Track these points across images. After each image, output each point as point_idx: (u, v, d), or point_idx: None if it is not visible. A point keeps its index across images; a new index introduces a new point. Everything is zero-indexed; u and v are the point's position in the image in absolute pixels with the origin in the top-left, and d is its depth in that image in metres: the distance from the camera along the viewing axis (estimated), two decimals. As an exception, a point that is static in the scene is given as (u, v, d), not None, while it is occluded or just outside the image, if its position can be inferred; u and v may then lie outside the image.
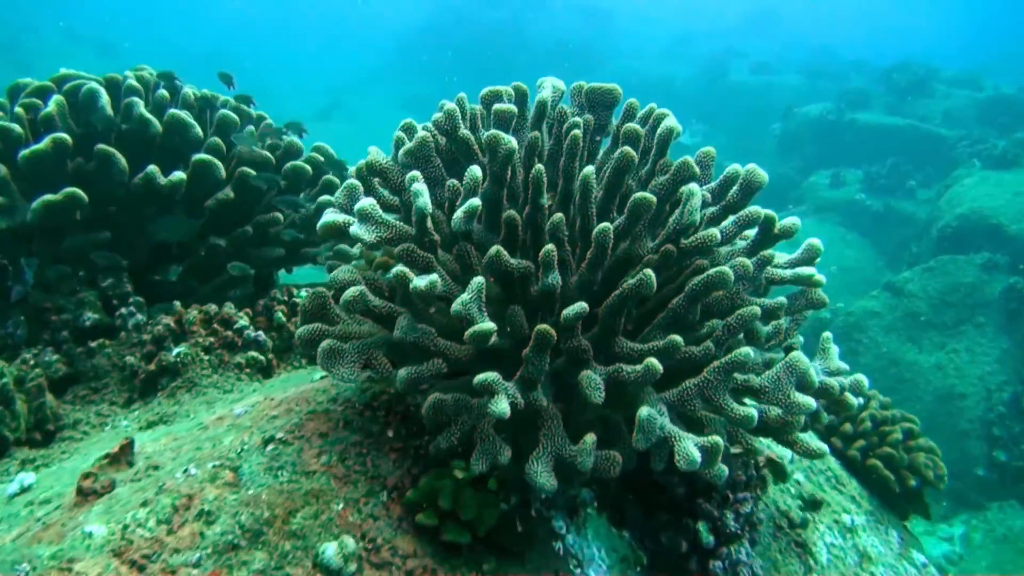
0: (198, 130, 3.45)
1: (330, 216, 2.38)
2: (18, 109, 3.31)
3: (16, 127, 3.24)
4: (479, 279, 2.16)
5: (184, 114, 3.43)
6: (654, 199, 2.28)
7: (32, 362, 3.17)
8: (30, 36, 27.05)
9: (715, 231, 2.36)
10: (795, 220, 2.59)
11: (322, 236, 2.41)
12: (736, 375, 2.32)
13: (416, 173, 2.34)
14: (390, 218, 2.36)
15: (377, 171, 2.54)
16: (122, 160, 3.26)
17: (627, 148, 2.36)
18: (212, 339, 3.22)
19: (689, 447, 2.08)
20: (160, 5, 38.87)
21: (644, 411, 2.11)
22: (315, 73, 33.19)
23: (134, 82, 3.51)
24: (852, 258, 16.08)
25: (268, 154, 3.66)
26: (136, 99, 3.41)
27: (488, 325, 2.10)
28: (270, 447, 2.30)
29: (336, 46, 37.23)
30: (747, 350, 2.20)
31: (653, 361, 2.12)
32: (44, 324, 3.28)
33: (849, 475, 3.63)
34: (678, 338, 2.22)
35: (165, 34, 34.32)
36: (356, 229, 2.29)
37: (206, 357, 3.18)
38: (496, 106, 2.47)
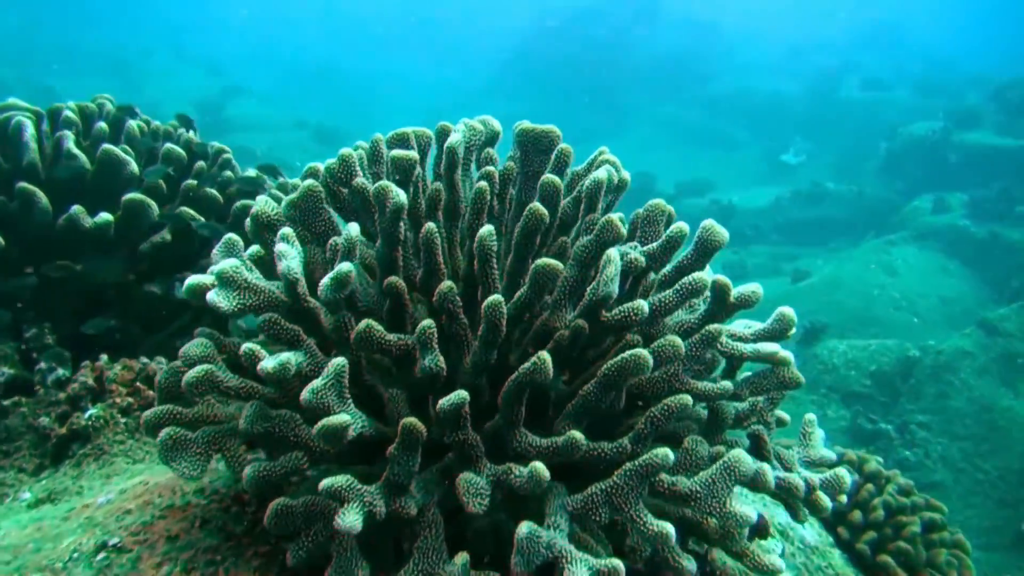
0: (134, 167, 3.16)
1: (195, 278, 2.04)
2: (-61, 145, 3.09)
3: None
4: (339, 360, 1.80)
5: (118, 149, 3.14)
6: (558, 266, 1.89)
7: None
8: (142, 57, 27.50)
9: (641, 303, 1.97)
10: (754, 288, 2.18)
11: (189, 299, 2.06)
12: (663, 477, 1.92)
13: (287, 231, 2.00)
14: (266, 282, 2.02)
15: (265, 224, 2.19)
16: (43, 199, 2.98)
17: (536, 205, 1.98)
18: (132, 399, 2.91)
19: (579, 573, 1.69)
20: (270, 23, 39.21)
21: (524, 529, 1.72)
22: (419, 91, 32.96)
23: (71, 114, 3.24)
24: (953, 288, 15.13)
25: (216, 193, 3.34)
26: (67, 132, 3.14)
27: (340, 419, 1.75)
28: (101, 556, 1.96)
29: (441, 64, 37.05)
30: (665, 451, 1.81)
31: (538, 466, 1.74)
32: (-39, 379, 3.02)
33: (857, 572, 3.15)
34: (578, 435, 1.84)
35: (276, 52, 34.53)
36: (212, 296, 1.95)
37: (123, 420, 2.87)
38: (393, 152, 2.11)
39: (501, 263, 2.15)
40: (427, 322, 1.84)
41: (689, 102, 27.11)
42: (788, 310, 2.23)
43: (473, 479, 1.82)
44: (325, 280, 1.89)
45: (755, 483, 2.08)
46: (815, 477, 2.25)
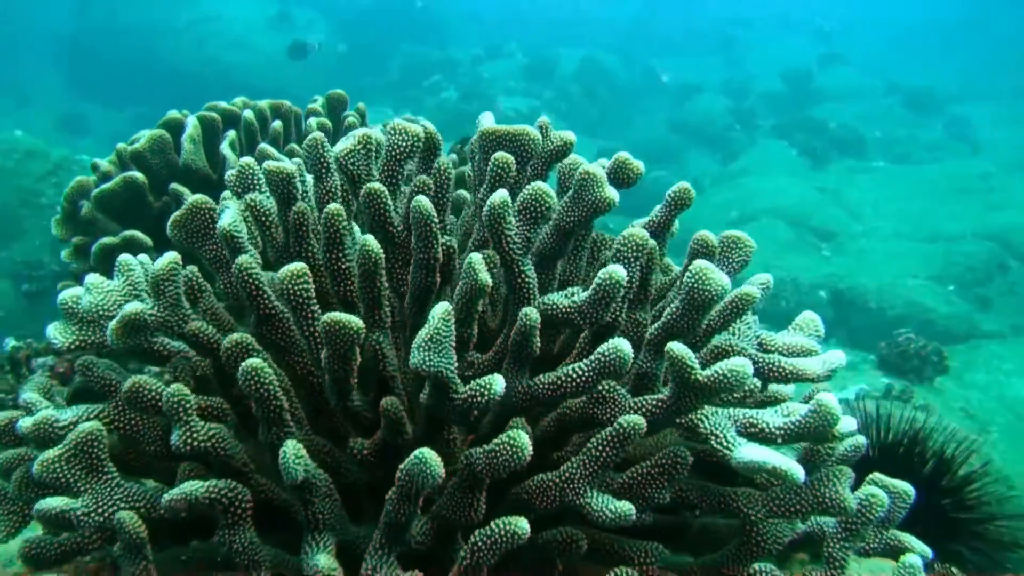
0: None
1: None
2: (121, 145, 3.13)
3: (104, 164, 3.05)
4: (86, 426, 1.46)
5: (271, 149, 2.94)
6: (348, 321, 1.37)
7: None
8: (746, 29, 26.82)
9: (493, 379, 1.38)
10: (737, 365, 1.46)
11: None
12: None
13: (122, 258, 1.68)
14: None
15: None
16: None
17: (366, 239, 1.46)
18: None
19: None
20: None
21: None
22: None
23: (250, 114, 3.13)
24: None
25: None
26: (229, 133, 3.04)
27: (52, 503, 1.41)
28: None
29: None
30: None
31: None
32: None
33: None
34: None
35: (883, 15, 31.48)
36: (50, 329, 1.68)
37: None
38: (266, 164, 1.68)
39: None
40: (174, 388, 1.42)
41: None
42: (829, 399, 1.47)
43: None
44: (112, 323, 1.54)
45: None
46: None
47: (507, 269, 1.59)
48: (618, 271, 1.48)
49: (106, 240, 2.88)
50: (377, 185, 1.61)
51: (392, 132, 1.75)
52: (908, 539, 1.79)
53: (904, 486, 1.80)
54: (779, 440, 1.50)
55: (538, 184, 1.56)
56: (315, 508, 1.42)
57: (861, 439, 1.72)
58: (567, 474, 1.44)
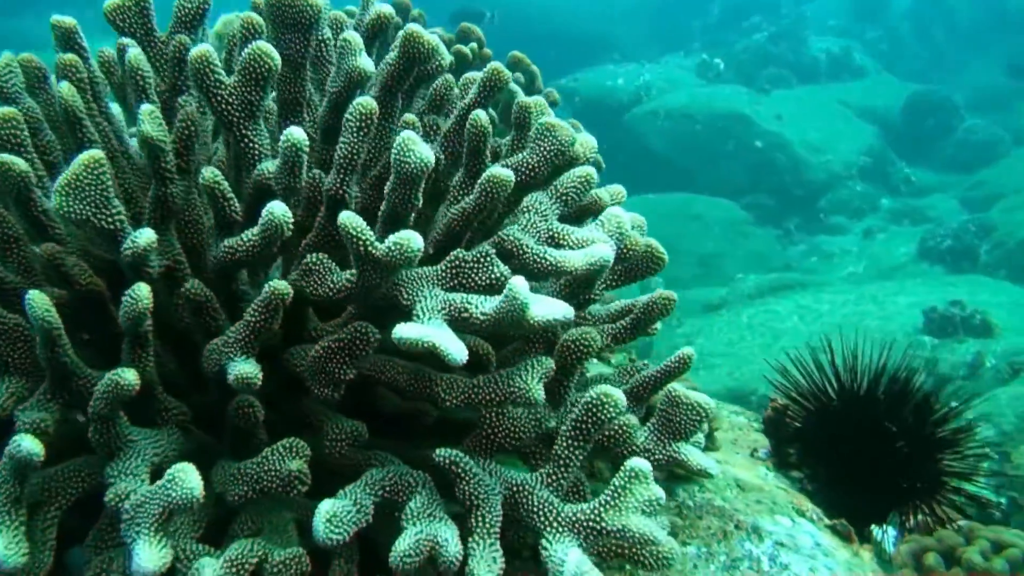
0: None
1: None
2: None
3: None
4: None
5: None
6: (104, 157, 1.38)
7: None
8: None
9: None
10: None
11: None
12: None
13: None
14: None
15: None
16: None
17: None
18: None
19: None
20: None
21: None
22: None
23: None
24: None
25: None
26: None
27: None
28: None
29: None
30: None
31: None
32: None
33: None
34: None
35: None
36: None
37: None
38: (51, 19, 1.70)
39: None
40: None
41: None
42: (517, 284, 1.33)
43: None
44: None
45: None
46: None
47: (227, 132, 1.55)
48: (295, 132, 1.42)
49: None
50: (125, 40, 1.60)
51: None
52: (688, 451, 1.69)
53: (699, 398, 1.67)
54: (483, 327, 1.40)
55: (259, 43, 1.50)
56: (-1, 351, 1.45)
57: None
58: (226, 339, 1.41)
